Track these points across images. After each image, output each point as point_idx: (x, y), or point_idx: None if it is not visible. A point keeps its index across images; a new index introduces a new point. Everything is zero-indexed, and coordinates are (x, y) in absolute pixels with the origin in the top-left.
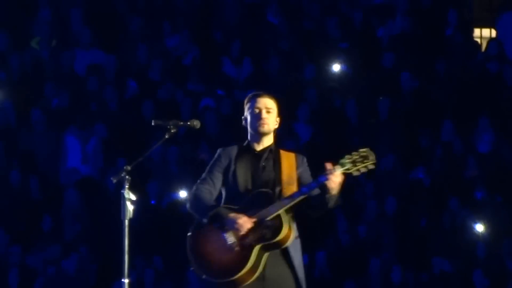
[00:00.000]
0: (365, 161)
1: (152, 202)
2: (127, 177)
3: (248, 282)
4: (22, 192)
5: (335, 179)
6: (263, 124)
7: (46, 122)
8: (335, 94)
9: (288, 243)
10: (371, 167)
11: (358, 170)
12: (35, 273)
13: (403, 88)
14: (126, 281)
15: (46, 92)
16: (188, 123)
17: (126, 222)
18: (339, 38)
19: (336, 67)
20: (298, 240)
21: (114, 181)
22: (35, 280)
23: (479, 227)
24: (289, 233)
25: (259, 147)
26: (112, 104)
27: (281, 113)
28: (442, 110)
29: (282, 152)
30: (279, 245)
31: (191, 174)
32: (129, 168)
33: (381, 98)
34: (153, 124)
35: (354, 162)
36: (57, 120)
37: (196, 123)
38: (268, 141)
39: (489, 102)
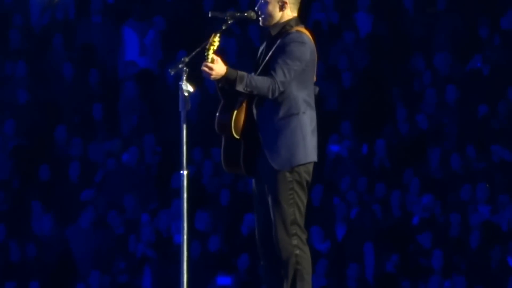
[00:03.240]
0: (210, 43)
1: (211, 92)
2: (185, 68)
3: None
4: (80, 85)
5: (207, 74)
6: (260, 19)
7: (104, 14)
8: None
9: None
10: (214, 43)
11: (207, 50)
12: (95, 166)
13: None
14: (185, 172)
15: None
16: (245, 14)
17: (184, 113)
18: None
19: None
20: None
21: (172, 72)
22: (95, 173)
23: None
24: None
25: (273, 32)
26: None
27: None
28: None
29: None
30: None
31: (249, 66)
32: (186, 59)
33: None
34: (210, 15)
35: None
36: (115, 12)
37: (253, 14)
38: (276, 27)
39: None
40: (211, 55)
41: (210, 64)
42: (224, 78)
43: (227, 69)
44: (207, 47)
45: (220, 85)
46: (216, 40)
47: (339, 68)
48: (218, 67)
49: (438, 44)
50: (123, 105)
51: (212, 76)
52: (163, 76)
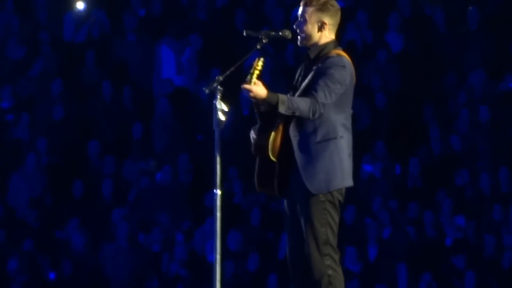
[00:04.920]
0: (254, 67)
1: (245, 113)
2: (219, 87)
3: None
4: (115, 102)
5: (247, 94)
6: (298, 37)
7: (138, 32)
8: (426, 3)
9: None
10: (258, 67)
11: (251, 75)
12: (129, 184)
13: None
14: (219, 192)
15: (136, 2)
16: (280, 33)
17: (218, 132)
18: None
19: None
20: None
21: (207, 91)
22: (128, 191)
23: None
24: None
25: (311, 55)
26: (203, 14)
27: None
28: None
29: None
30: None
31: (284, 84)
32: (221, 78)
33: (470, 7)
34: (244, 34)
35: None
36: (150, 30)
37: (288, 33)
38: (315, 49)
39: None
40: (254, 79)
41: (249, 86)
42: (265, 101)
43: (268, 92)
44: (251, 71)
45: (261, 108)
46: (260, 65)
47: (372, 87)
48: (258, 89)
49: (471, 63)
50: (157, 124)
51: (251, 95)
52: (198, 94)
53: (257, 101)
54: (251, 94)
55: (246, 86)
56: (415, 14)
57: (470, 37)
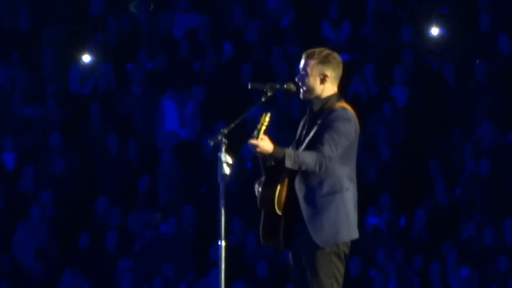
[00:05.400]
0: (261, 122)
1: (249, 165)
2: (224, 140)
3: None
4: (120, 155)
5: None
6: (301, 91)
7: (143, 85)
8: (432, 57)
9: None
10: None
11: (258, 130)
12: (133, 236)
13: (500, 51)
14: (223, 244)
15: (142, 56)
16: (285, 86)
17: (222, 185)
18: (439, 2)
19: (435, 31)
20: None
21: (211, 144)
22: (133, 243)
23: None
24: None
25: (314, 108)
26: (209, 67)
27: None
28: None
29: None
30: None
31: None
32: (225, 131)
33: (477, 61)
34: (249, 87)
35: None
36: (155, 83)
37: (293, 87)
38: (318, 102)
39: None
40: (261, 134)
41: (256, 141)
42: (272, 156)
43: (274, 147)
44: (258, 126)
45: (267, 162)
46: (267, 120)
47: (377, 140)
48: (265, 144)
49: (478, 117)
50: (162, 176)
51: (258, 151)
52: (202, 147)
53: (264, 156)
54: (258, 149)
55: (253, 141)
56: (420, 68)
57: (477, 91)
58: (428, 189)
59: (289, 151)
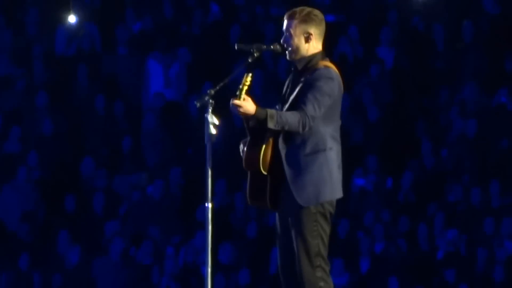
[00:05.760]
0: (243, 83)
1: (237, 125)
2: (210, 101)
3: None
4: (106, 116)
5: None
6: (287, 52)
7: (129, 46)
8: (419, 18)
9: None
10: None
11: (240, 91)
12: (120, 198)
13: (487, 11)
14: (210, 205)
15: (128, 17)
16: (272, 47)
17: (209, 146)
18: None
19: None
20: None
21: (198, 105)
22: (119, 205)
23: None
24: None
25: (299, 66)
26: (195, 28)
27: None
28: None
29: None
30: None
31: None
32: (212, 92)
33: (465, 21)
34: (236, 48)
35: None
36: (141, 44)
37: (279, 48)
38: (302, 61)
39: None
40: (243, 95)
41: (238, 102)
42: (254, 116)
43: (256, 107)
44: (240, 86)
45: (250, 123)
46: (248, 80)
47: (364, 102)
48: (247, 105)
49: (464, 78)
50: (147, 137)
51: (240, 112)
52: (188, 108)
53: (246, 116)
54: (241, 109)
55: (236, 102)
56: (407, 29)
57: (464, 51)
58: (415, 150)
59: (271, 111)
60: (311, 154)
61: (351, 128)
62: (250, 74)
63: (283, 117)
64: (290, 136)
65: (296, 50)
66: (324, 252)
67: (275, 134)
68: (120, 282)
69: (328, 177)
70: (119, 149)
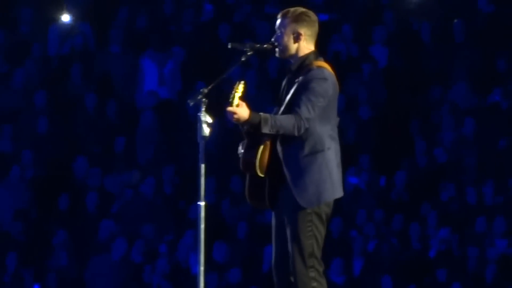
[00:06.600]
0: (235, 90)
1: (230, 125)
2: (204, 99)
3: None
4: (99, 115)
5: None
6: (276, 50)
7: (123, 45)
8: (413, 17)
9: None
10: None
11: (232, 98)
12: (112, 197)
13: (480, 9)
14: (203, 204)
15: (122, 15)
16: (265, 46)
17: (202, 144)
18: None
19: None
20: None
21: (191, 103)
22: (112, 203)
23: None
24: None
25: (292, 67)
26: (189, 27)
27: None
28: None
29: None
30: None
31: (268, 97)
32: (206, 90)
33: (456, 20)
34: (229, 47)
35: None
36: (134, 42)
37: (272, 46)
38: (295, 61)
39: None
40: (236, 101)
41: (232, 108)
42: (248, 122)
43: (250, 113)
44: (232, 93)
45: (245, 128)
46: (240, 88)
47: (357, 100)
48: (241, 111)
49: (456, 77)
50: (141, 136)
51: (234, 119)
52: (182, 107)
53: (240, 122)
54: (235, 116)
55: (230, 108)
56: (400, 28)
57: (456, 50)
58: (408, 149)
59: (265, 116)
60: (310, 155)
61: (344, 126)
62: (243, 82)
63: (277, 122)
64: (288, 138)
65: (284, 48)
66: (318, 253)
67: (273, 135)
68: (113, 281)
69: (328, 178)
70: (112, 148)
